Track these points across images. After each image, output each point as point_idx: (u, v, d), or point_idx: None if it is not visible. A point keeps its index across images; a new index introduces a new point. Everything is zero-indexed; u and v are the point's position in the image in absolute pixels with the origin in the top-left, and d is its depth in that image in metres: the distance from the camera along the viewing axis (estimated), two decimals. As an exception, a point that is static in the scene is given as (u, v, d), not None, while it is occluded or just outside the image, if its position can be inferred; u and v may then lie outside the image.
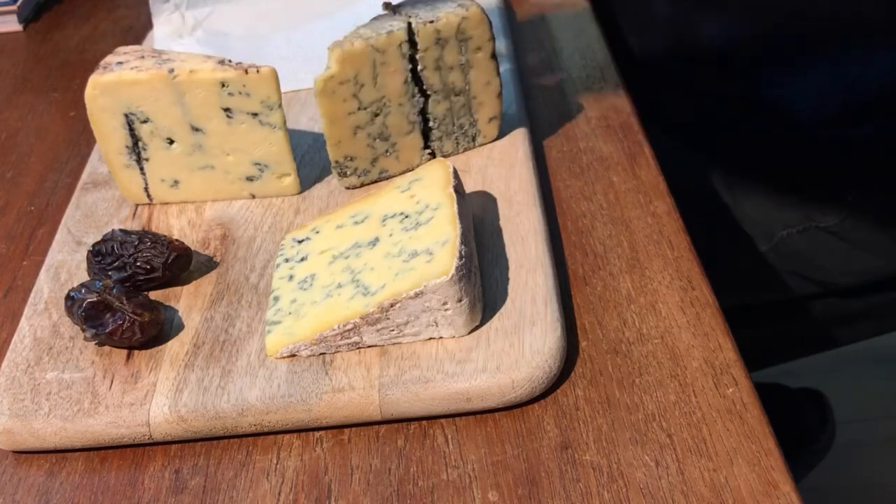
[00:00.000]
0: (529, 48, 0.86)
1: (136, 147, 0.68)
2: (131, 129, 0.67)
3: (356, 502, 0.51)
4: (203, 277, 0.63)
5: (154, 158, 0.69)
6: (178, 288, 0.63)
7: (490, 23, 0.67)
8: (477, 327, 0.56)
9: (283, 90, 0.66)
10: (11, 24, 1.05)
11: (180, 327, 0.60)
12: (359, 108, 0.66)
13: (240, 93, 0.65)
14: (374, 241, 0.60)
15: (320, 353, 0.56)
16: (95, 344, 0.59)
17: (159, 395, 0.55)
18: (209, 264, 0.64)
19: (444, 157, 0.71)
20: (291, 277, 0.61)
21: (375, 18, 0.66)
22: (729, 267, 0.91)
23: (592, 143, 0.74)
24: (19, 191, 0.79)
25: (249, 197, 0.70)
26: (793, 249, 0.95)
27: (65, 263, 0.66)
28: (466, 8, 0.66)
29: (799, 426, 1.23)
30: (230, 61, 0.66)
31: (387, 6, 0.68)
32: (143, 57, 0.66)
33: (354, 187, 0.70)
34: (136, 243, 0.61)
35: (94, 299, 0.57)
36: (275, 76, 0.65)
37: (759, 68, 0.89)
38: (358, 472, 0.52)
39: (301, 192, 0.70)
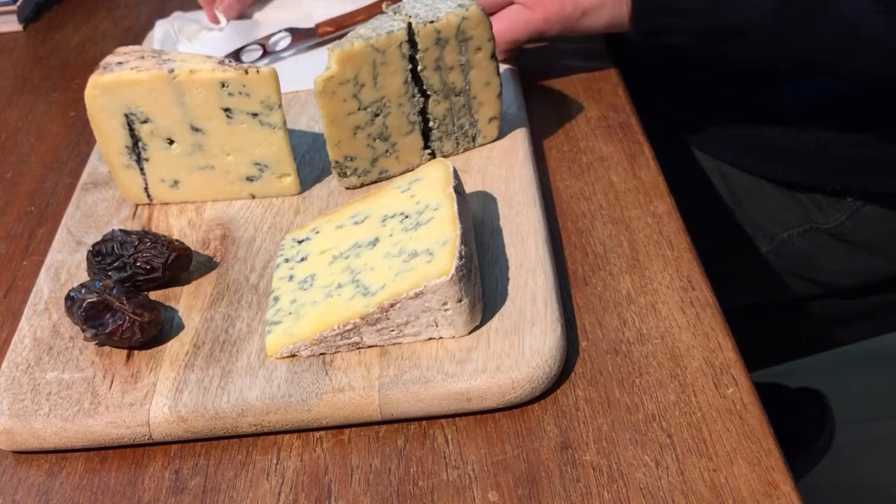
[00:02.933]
0: (529, 48, 0.86)
1: (136, 147, 0.68)
2: (131, 129, 0.67)
3: (356, 502, 0.51)
4: (203, 277, 0.63)
5: (154, 158, 0.69)
6: (178, 288, 0.63)
7: (490, 23, 0.67)
8: (477, 327, 0.56)
9: (282, 90, 0.66)
10: (11, 24, 1.05)
11: (180, 327, 0.60)
12: (359, 109, 0.66)
13: (240, 93, 0.65)
14: (374, 242, 0.60)
15: (320, 354, 0.56)
16: (95, 344, 0.59)
17: (159, 396, 0.55)
18: (209, 264, 0.64)
19: (444, 157, 0.71)
20: (291, 277, 0.60)
21: (375, 18, 0.66)
22: (729, 268, 0.91)
23: (592, 143, 0.74)
24: (19, 191, 0.79)
25: (249, 197, 0.70)
26: (793, 251, 0.95)
27: (65, 263, 0.66)
28: (466, 8, 0.66)
29: (799, 426, 1.23)
30: (230, 61, 0.66)
31: (387, 6, 0.68)
32: (143, 57, 0.66)
33: (354, 187, 0.70)
34: (136, 243, 0.61)
35: (94, 299, 0.57)
36: (275, 76, 0.65)
37: (760, 73, 0.89)
38: (358, 472, 0.52)
39: (301, 192, 0.70)
